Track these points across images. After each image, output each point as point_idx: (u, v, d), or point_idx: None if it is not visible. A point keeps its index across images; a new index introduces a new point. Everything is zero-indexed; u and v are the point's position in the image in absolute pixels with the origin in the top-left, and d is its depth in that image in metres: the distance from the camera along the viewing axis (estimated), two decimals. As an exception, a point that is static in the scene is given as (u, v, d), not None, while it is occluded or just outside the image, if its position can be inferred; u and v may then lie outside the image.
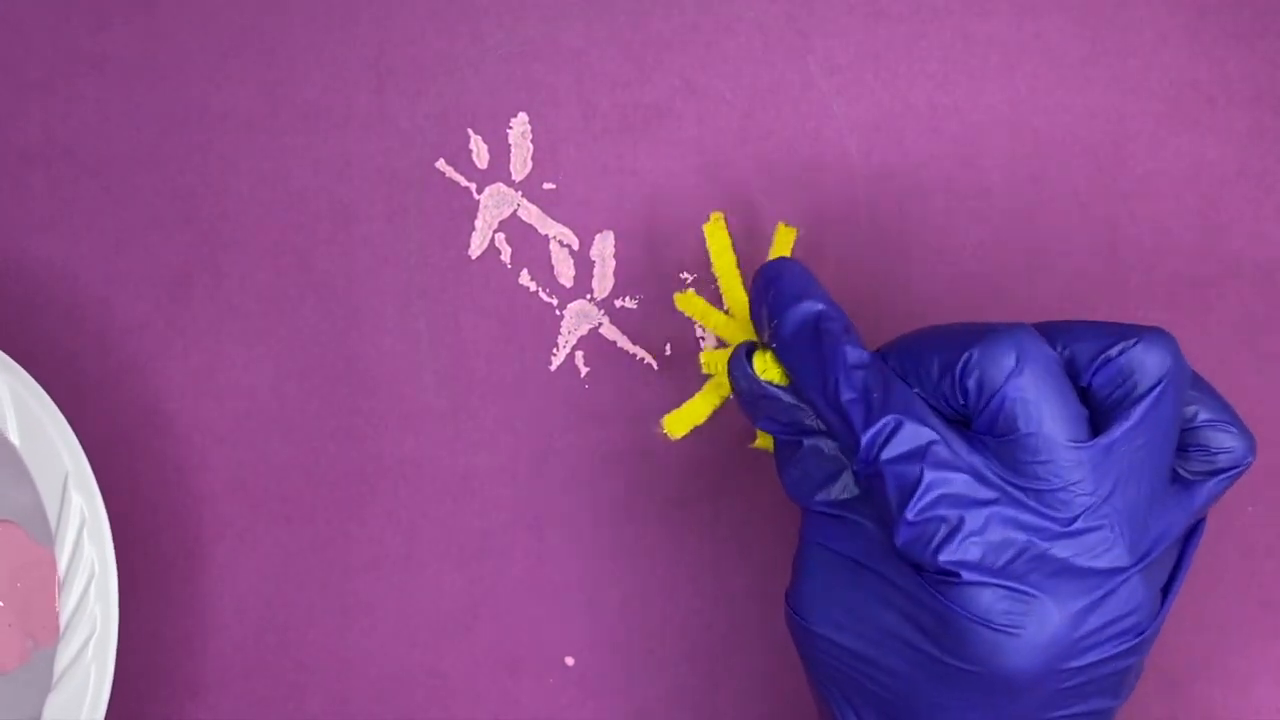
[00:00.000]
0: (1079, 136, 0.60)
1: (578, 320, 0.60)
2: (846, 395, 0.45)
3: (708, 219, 0.57)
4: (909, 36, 0.60)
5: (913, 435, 0.44)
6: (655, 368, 0.60)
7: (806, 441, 0.47)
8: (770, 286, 0.48)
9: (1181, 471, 0.47)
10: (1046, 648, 0.43)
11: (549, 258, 0.60)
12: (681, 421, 0.54)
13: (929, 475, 0.43)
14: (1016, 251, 0.60)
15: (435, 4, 0.60)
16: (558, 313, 0.60)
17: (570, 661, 0.60)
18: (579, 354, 0.60)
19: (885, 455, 0.44)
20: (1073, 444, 0.43)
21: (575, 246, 0.60)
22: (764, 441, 0.54)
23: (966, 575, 0.43)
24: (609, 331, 0.60)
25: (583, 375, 0.60)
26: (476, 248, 0.60)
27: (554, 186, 0.60)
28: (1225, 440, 0.46)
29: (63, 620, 0.53)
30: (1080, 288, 0.60)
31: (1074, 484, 0.43)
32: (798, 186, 0.60)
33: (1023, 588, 0.43)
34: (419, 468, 0.60)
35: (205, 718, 0.60)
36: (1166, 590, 0.47)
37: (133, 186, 0.60)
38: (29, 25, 0.60)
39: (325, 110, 0.60)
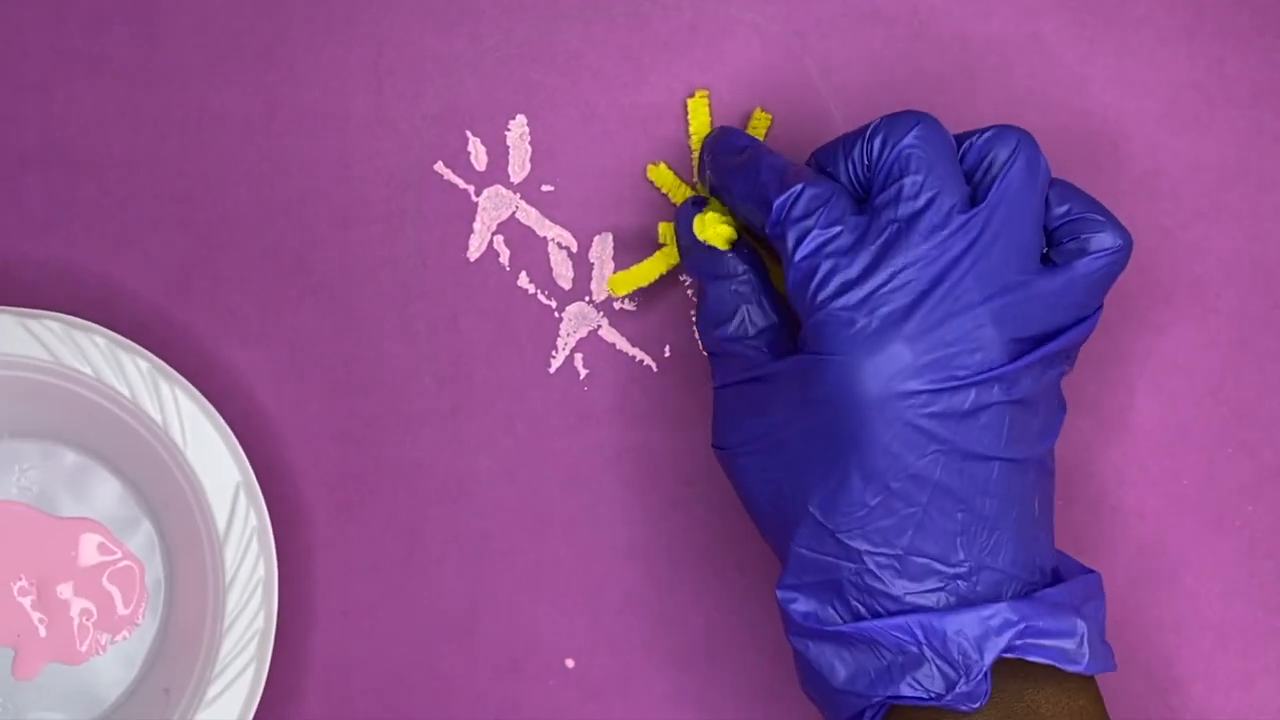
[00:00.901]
0: (1077, 137, 0.60)
1: (577, 322, 0.60)
2: (765, 176, 0.53)
3: (692, 94, 0.60)
4: (907, 37, 0.60)
5: (813, 197, 0.52)
6: (655, 369, 0.60)
7: (710, 286, 0.55)
8: (710, 145, 0.57)
9: (1055, 258, 0.52)
10: (890, 367, 0.50)
11: (548, 259, 0.60)
12: (626, 281, 0.59)
13: (817, 229, 0.51)
14: (1015, 252, 0.60)
15: (433, 6, 0.60)
16: (556, 315, 0.60)
17: (570, 663, 0.60)
18: (578, 356, 0.60)
19: (791, 215, 0.52)
20: (952, 198, 0.51)
21: (574, 248, 0.60)
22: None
23: (835, 306, 0.50)
24: (608, 333, 0.60)
25: (582, 377, 0.60)
26: (475, 250, 0.60)
27: (552, 188, 0.60)
28: (1094, 228, 0.52)
29: (227, 619, 0.56)
30: (1079, 288, 0.60)
31: (944, 235, 0.50)
32: (796, 187, 0.60)
33: (874, 319, 0.50)
34: (418, 469, 0.60)
35: None
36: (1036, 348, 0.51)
37: (130, 189, 0.60)
38: (26, 27, 0.60)
39: (323, 112, 0.60)
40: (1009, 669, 0.51)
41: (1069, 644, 0.51)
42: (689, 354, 0.60)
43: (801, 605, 0.52)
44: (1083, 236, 0.52)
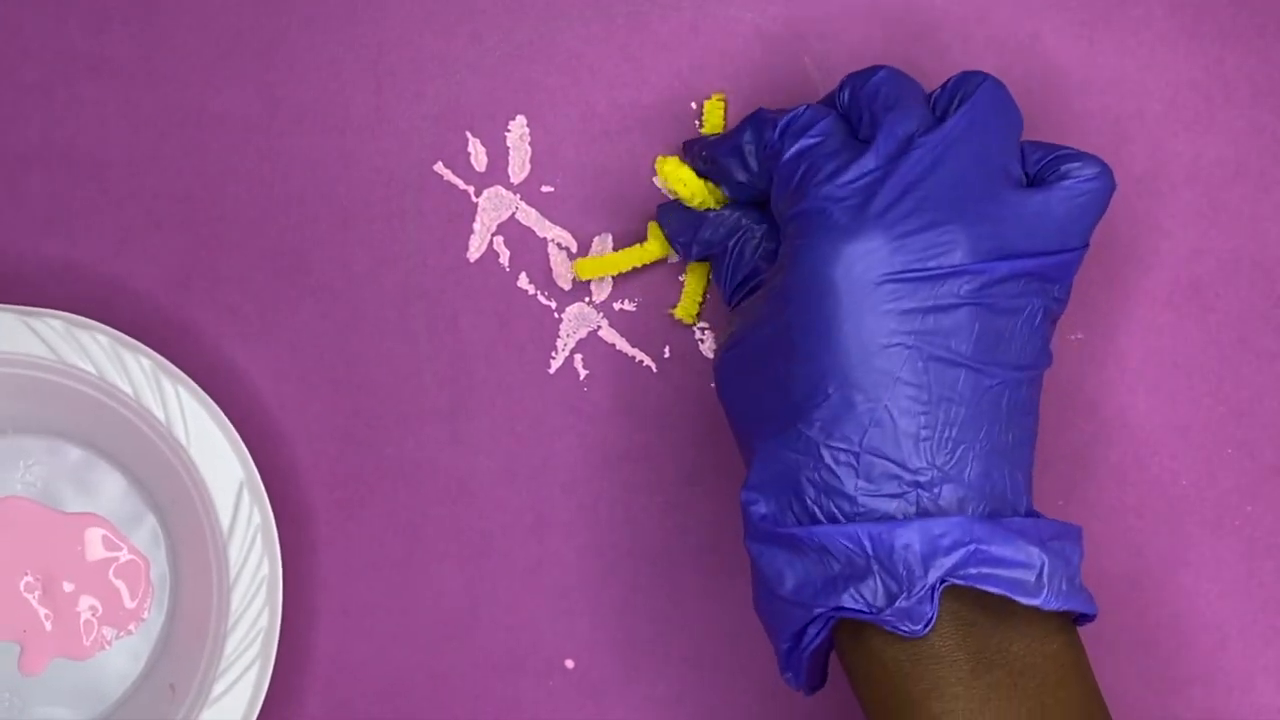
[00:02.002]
0: (1077, 137, 0.60)
1: (576, 323, 0.60)
2: (768, 115, 0.55)
3: (709, 97, 0.60)
4: (905, 37, 0.60)
5: (813, 115, 0.53)
6: (654, 370, 0.60)
7: (712, 241, 0.57)
8: (697, 139, 0.60)
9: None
10: (861, 252, 0.50)
11: (548, 260, 0.60)
12: (593, 267, 0.59)
13: (806, 138, 0.53)
14: (1015, 252, 0.60)
15: (433, 6, 0.60)
16: (556, 315, 0.60)
17: (570, 664, 0.60)
18: (578, 356, 0.60)
19: (789, 128, 0.53)
20: (918, 119, 0.52)
21: (574, 249, 0.60)
22: (682, 312, 0.60)
23: (813, 197, 0.51)
24: (608, 334, 0.60)
25: (582, 378, 0.60)
26: (475, 250, 0.60)
27: (552, 189, 0.60)
28: (1072, 159, 0.53)
29: (231, 617, 0.56)
30: (1077, 288, 0.60)
31: (914, 148, 0.51)
32: (796, 187, 0.60)
33: (850, 209, 0.50)
34: (418, 470, 0.60)
35: None
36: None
37: (131, 189, 0.60)
38: (27, 28, 0.60)
39: (323, 112, 0.60)
40: (980, 604, 0.50)
41: (1025, 575, 0.49)
42: (689, 354, 0.60)
43: (761, 507, 0.52)
44: (1063, 168, 0.52)
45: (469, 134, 0.60)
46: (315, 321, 0.60)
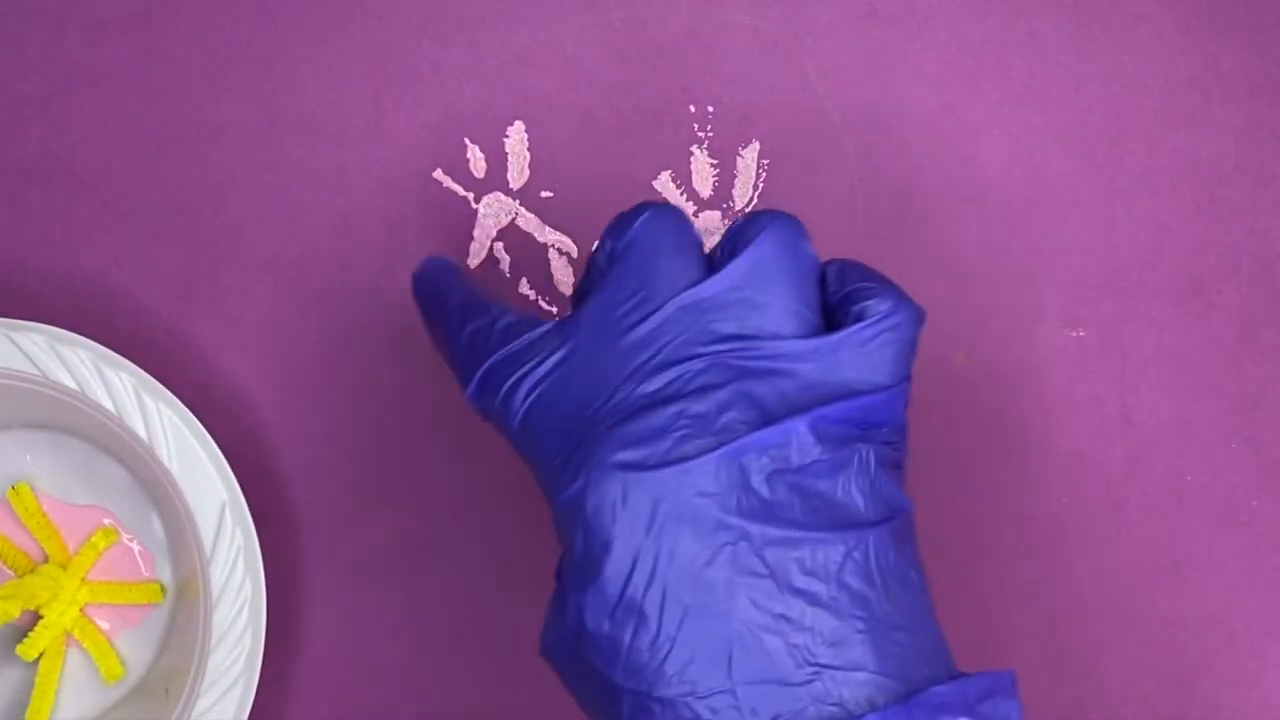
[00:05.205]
0: (1075, 134, 0.60)
1: (578, 327, 0.60)
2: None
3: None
4: (904, 37, 0.60)
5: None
6: (656, 373, 0.60)
7: None
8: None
9: None
10: (664, 484, 0.44)
11: (548, 266, 0.60)
12: None
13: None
14: (1014, 251, 0.60)
15: (430, 14, 0.60)
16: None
17: (577, 669, 0.60)
18: (580, 361, 0.60)
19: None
20: (662, 289, 0.46)
21: (574, 254, 0.60)
22: None
23: (520, 421, 0.48)
24: (610, 338, 0.60)
25: (584, 382, 0.60)
26: (475, 257, 0.60)
27: (552, 194, 0.60)
28: (865, 296, 0.46)
29: (215, 635, 0.56)
30: (1079, 286, 0.60)
31: (663, 327, 0.46)
32: (795, 189, 0.60)
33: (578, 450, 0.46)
34: (423, 478, 0.60)
35: (214, 731, 0.60)
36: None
37: (131, 201, 0.60)
38: (25, 41, 0.60)
39: (322, 122, 0.60)
40: None
41: None
42: (691, 357, 0.60)
43: None
44: (854, 307, 0.46)
45: (467, 141, 0.60)
46: (316, 332, 0.60)
